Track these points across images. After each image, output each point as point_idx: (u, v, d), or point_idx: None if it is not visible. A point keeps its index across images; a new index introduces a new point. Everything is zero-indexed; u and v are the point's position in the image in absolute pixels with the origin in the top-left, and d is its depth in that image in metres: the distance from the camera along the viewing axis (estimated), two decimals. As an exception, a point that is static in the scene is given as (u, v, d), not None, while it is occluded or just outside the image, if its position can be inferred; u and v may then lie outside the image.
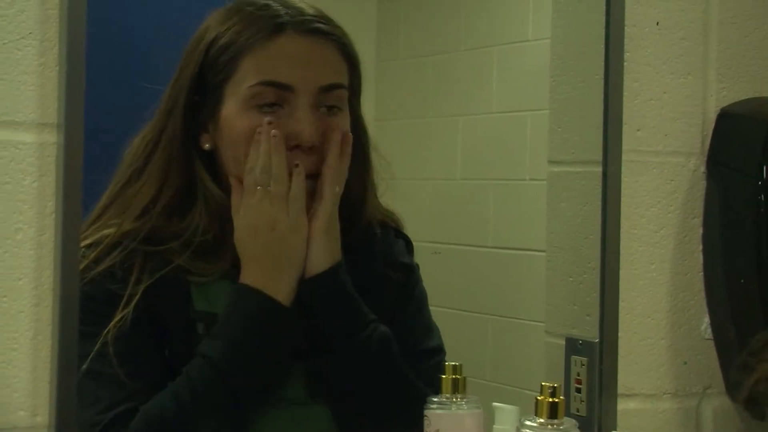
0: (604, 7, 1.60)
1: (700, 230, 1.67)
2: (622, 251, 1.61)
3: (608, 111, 1.61)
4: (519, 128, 2.73)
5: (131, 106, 1.55)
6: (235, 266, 1.48)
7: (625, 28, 1.62)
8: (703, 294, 1.68)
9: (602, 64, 1.61)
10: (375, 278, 1.56)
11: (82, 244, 1.44)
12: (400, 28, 3.18)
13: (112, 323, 1.43)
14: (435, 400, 1.38)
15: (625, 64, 1.62)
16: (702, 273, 1.67)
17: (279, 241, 1.45)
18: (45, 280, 1.28)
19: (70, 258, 1.29)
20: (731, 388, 1.66)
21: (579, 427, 1.35)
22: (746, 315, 1.63)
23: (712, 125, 1.68)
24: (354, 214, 1.55)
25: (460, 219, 2.94)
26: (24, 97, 1.28)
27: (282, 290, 1.45)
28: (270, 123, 1.46)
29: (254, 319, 1.45)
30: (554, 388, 1.31)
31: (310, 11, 1.51)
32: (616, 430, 1.59)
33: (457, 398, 1.38)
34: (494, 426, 1.44)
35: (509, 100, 2.81)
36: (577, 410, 1.59)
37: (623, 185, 1.62)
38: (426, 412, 1.38)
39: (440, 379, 1.39)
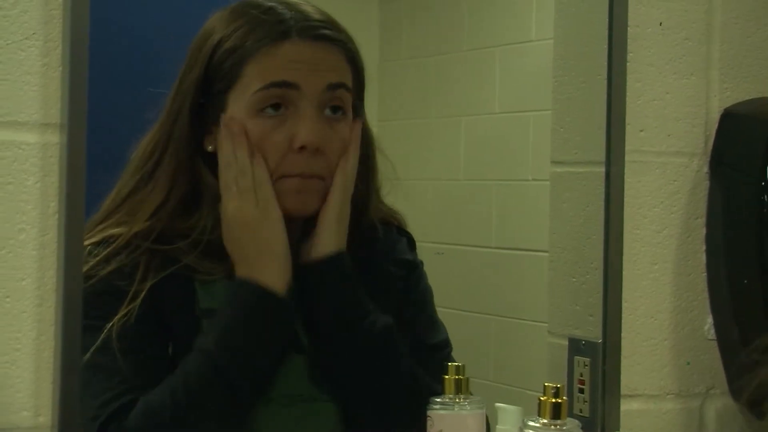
0: (606, 8, 1.60)
1: (703, 230, 1.67)
2: (625, 251, 1.61)
3: (611, 111, 1.61)
4: (522, 128, 2.73)
5: (134, 106, 1.55)
6: None
7: (628, 28, 1.61)
8: (706, 294, 1.67)
9: (605, 64, 1.61)
10: (379, 276, 1.56)
11: (89, 242, 1.45)
12: (403, 29, 3.18)
13: (117, 317, 1.43)
14: (438, 400, 1.38)
15: (627, 64, 1.61)
16: (705, 273, 1.67)
17: (253, 233, 1.46)
18: (48, 281, 1.28)
19: (73, 258, 1.29)
20: (734, 388, 1.66)
21: (582, 428, 1.35)
22: (749, 315, 1.63)
23: (715, 125, 1.68)
24: (358, 214, 1.55)
25: (463, 219, 2.94)
26: (27, 98, 1.28)
27: (273, 280, 1.45)
28: (232, 119, 1.47)
29: (247, 309, 1.45)
30: (557, 388, 1.31)
31: (316, 16, 1.51)
32: (619, 430, 1.59)
33: (459, 398, 1.38)
34: (497, 426, 1.44)
35: (512, 100, 2.81)
36: (580, 411, 1.59)
37: (626, 185, 1.62)
38: (429, 412, 1.38)
39: (443, 379, 1.39)
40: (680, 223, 1.66)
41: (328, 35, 1.50)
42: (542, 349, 1.72)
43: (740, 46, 1.69)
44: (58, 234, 1.29)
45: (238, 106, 1.48)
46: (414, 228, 1.67)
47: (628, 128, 1.62)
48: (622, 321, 1.61)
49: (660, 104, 1.65)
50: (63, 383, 1.28)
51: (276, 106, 1.47)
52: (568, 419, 1.32)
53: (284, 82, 1.47)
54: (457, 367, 1.39)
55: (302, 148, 1.47)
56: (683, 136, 1.67)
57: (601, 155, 1.61)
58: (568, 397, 1.37)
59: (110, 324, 1.43)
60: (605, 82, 1.61)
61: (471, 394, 1.38)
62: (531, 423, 1.31)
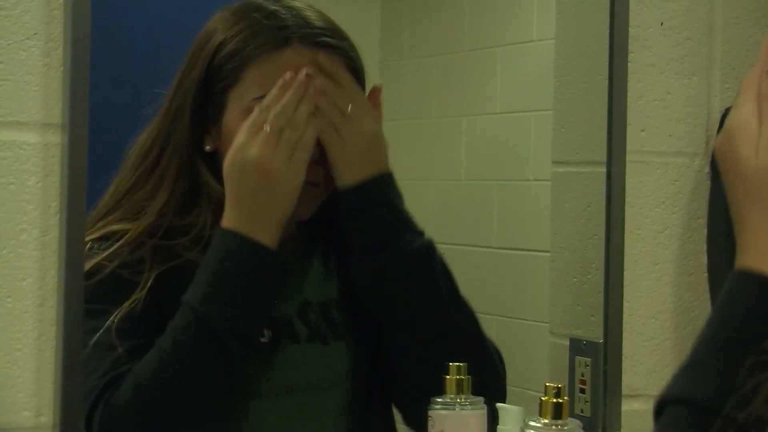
0: (608, 8, 1.60)
1: (705, 231, 1.67)
2: (627, 252, 1.61)
3: (612, 111, 1.61)
4: (523, 129, 2.72)
5: (135, 106, 1.55)
6: None
7: (630, 28, 1.61)
8: (707, 295, 1.67)
9: (606, 64, 1.61)
10: None
11: (89, 237, 1.45)
12: (404, 29, 3.18)
13: (125, 305, 1.43)
14: (439, 400, 1.38)
15: (629, 64, 1.61)
16: (706, 274, 1.67)
17: (272, 187, 1.43)
18: (49, 281, 1.29)
19: (74, 258, 1.29)
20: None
21: (583, 428, 1.35)
22: (751, 316, 1.63)
23: (717, 126, 1.68)
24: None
25: (464, 219, 2.94)
26: (28, 98, 1.28)
27: (267, 234, 1.43)
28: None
29: (241, 264, 1.43)
30: (558, 388, 1.31)
31: (318, 23, 1.50)
32: (620, 430, 1.59)
33: (461, 399, 1.38)
34: (498, 426, 1.44)
35: (513, 100, 2.81)
36: (582, 411, 1.59)
37: (627, 186, 1.62)
38: (430, 412, 1.38)
39: (444, 380, 1.39)
40: (681, 224, 1.66)
41: (329, 43, 1.50)
42: (543, 349, 1.72)
43: (742, 46, 1.69)
44: (59, 234, 1.29)
45: (238, 107, 1.48)
46: (415, 228, 1.66)
47: (629, 128, 1.62)
48: (624, 321, 1.61)
49: (661, 104, 1.65)
50: (64, 383, 1.28)
51: None
52: (570, 419, 1.32)
53: None
54: (459, 367, 1.39)
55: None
56: (684, 136, 1.67)
57: (603, 155, 1.61)
58: (569, 397, 1.37)
59: (117, 311, 1.42)
60: (606, 82, 1.61)
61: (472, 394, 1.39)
62: (532, 423, 1.31)
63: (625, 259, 1.61)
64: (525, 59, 2.76)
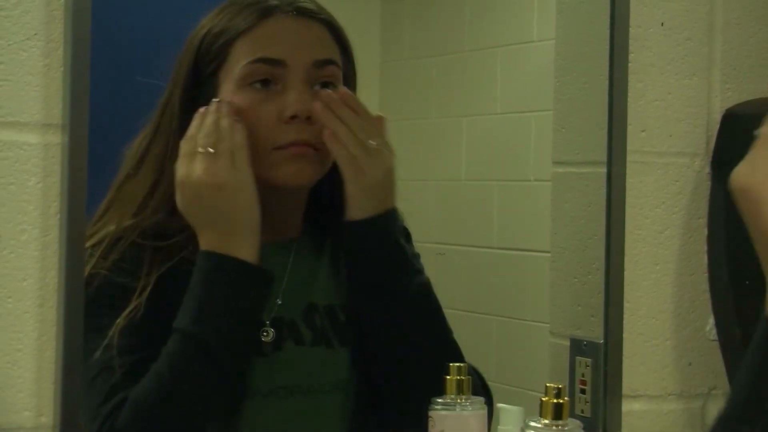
0: (608, 8, 1.60)
1: (705, 231, 1.67)
2: (627, 252, 1.61)
3: (612, 112, 1.61)
4: (523, 129, 2.72)
5: (136, 106, 1.55)
6: None
7: (630, 28, 1.61)
8: (708, 295, 1.67)
9: (607, 64, 1.61)
10: None
11: (88, 244, 1.45)
12: (405, 29, 3.18)
13: (124, 314, 1.43)
14: (439, 401, 1.38)
15: (629, 64, 1.61)
16: (707, 274, 1.67)
17: (228, 198, 1.43)
18: (50, 281, 1.28)
19: (74, 258, 1.29)
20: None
21: (583, 429, 1.35)
22: (751, 316, 1.63)
23: (717, 126, 1.67)
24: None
25: (464, 220, 2.94)
26: (29, 98, 1.28)
27: (246, 251, 1.43)
28: (219, 102, 1.46)
29: (224, 284, 1.43)
30: (559, 389, 1.31)
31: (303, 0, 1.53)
32: (620, 431, 1.59)
33: (461, 399, 1.38)
34: (499, 427, 1.44)
35: (513, 100, 2.81)
36: (582, 411, 1.59)
37: (628, 186, 1.62)
38: (430, 412, 1.38)
39: (445, 380, 1.39)
40: (682, 224, 1.66)
41: (311, 9, 1.52)
42: (544, 349, 1.72)
43: (742, 46, 1.69)
44: (59, 234, 1.29)
45: (229, 83, 1.49)
46: (415, 228, 1.66)
47: (629, 128, 1.62)
48: (624, 321, 1.61)
49: (662, 104, 1.65)
50: (65, 383, 1.28)
51: (265, 82, 1.49)
52: (570, 420, 1.32)
53: (270, 59, 1.49)
54: (459, 367, 1.39)
55: (293, 117, 1.48)
56: (685, 136, 1.66)
57: (603, 155, 1.61)
58: (569, 397, 1.37)
59: (117, 321, 1.42)
60: (607, 82, 1.61)
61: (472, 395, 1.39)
62: (532, 423, 1.31)
63: (626, 259, 1.61)
64: (525, 59, 2.76)
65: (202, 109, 1.47)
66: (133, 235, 1.47)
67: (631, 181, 1.62)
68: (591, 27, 1.64)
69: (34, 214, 1.28)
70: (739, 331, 1.63)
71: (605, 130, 1.61)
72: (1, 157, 1.27)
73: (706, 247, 1.67)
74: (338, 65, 1.53)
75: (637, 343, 1.63)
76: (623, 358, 1.60)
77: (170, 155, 1.49)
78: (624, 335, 1.61)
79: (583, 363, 1.61)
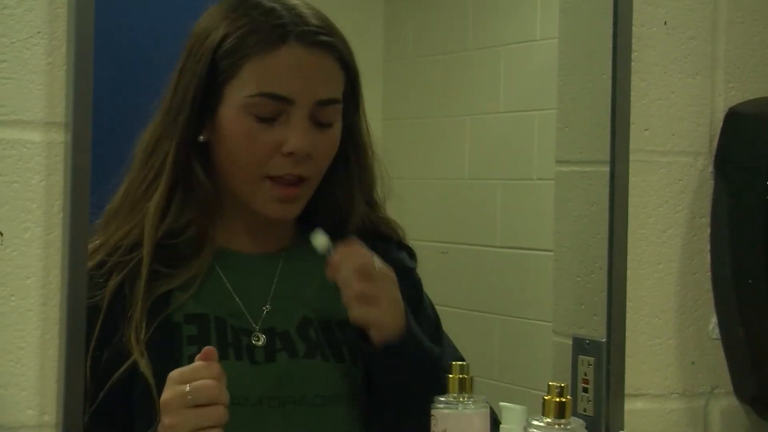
0: (611, 7, 1.60)
1: (708, 230, 1.67)
2: (630, 251, 1.61)
3: (616, 111, 1.61)
4: (526, 128, 2.72)
5: (139, 104, 1.56)
6: (218, 257, 1.52)
7: (633, 27, 1.61)
8: (710, 294, 1.67)
9: (610, 63, 1.61)
10: None
11: (90, 261, 1.44)
12: (408, 28, 3.18)
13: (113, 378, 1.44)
14: (442, 399, 1.38)
15: (632, 63, 1.61)
16: (710, 273, 1.67)
17: None
18: (53, 279, 1.29)
19: (77, 257, 1.29)
20: (739, 387, 1.66)
21: (586, 427, 1.35)
22: (754, 315, 1.63)
23: (720, 125, 1.67)
24: (354, 227, 1.56)
25: (468, 219, 2.94)
26: (32, 96, 1.28)
27: None
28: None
29: None
30: (561, 387, 1.31)
31: (314, 21, 1.52)
32: (623, 430, 1.59)
33: (464, 398, 1.38)
34: (501, 425, 1.44)
35: (517, 99, 2.81)
36: (585, 410, 1.59)
37: (631, 185, 1.62)
38: (433, 411, 1.38)
39: (447, 378, 1.39)
40: (685, 223, 1.66)
41: (325, 41, 1.52)
42: (547, 348, 1.72)
43: (745, 45, 1.69)
44: (62, 232, 1.29)
45: (233, 102, 1.50)
46: (418, 227, 1.67)
47: (632, 127, 1.62)
48: (627, 320, 1.61)
49: (665, 103, 1.65)
50: (67, 382, 1.28)
51: (268, 115, 1.49)
52: (572, 418, 1.32)
53: (278, 95, 1.49)
54: (461, 366, 1.39)
55: (291, 153, 1.49)
56: (688, 135, 1.66)
57: (606, 154, 1.61)
58: (572, 396, 1.37)
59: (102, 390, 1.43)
60: (610, 81, 1.61)
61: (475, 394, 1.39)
62: (535, 422, 1.31)
63: (629, 258, 1.61)
64: (528, 58, 2.76)
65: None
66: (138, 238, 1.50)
67: (634, 180, 1.62)
68: (594, 26, 1.64)
69: (38, 212, 1.28)
70: (742, 330, 1.63)
71: (608, 129, 1.61)
72: (4, 156, 1.27)
73: (709, 246, 1.67)
74: (340, 102, 1.53)
75: (639, 341, 1.63)
76: (626, 356, 1.60)
77: (179, 155, 1.51)
78: (627, 334, 1.61)
79: (586, 362, 1.61)
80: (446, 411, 1.38)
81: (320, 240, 1.49)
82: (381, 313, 1.48)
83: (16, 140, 1.28)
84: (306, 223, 1.56)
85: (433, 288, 1.66)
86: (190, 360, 1.42)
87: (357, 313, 1.47)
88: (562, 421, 1.30)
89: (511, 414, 1.44)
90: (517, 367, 2.63)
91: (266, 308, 1.52)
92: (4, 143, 1.27)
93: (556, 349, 1.67)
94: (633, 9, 1.61)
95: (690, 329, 1.67)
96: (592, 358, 1.60)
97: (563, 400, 1.31)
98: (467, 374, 1.38)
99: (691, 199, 1.66)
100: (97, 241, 1.50)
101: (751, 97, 1.69)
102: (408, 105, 3.12)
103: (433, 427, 1.38)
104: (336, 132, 1.54)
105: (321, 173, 1.53)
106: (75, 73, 1.28)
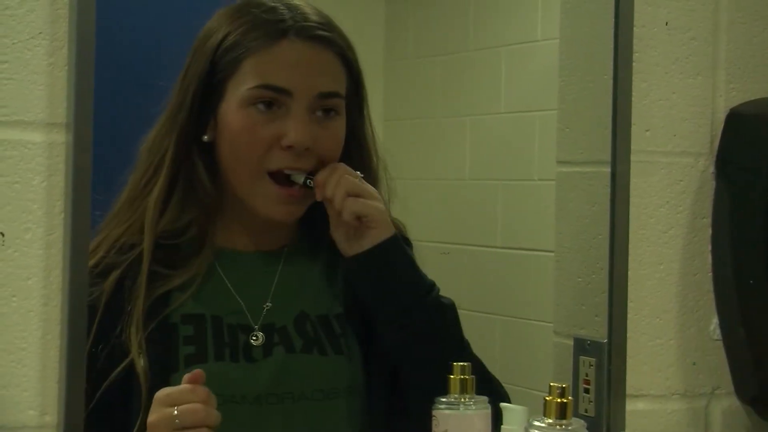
0: (612, 8, 1.60)
1: (709, 230, 1.67)
2: (631, 251, 1.61)
3: (617, 111, 1.61)
4: (527, 128, 2.72)
5: (140, 105, 1.56)
6: (218, 257, 1.52)
7: (634, 28, 1.61)
8: (712, 294, 1.67)
9: (611, 64, 1.61)
10: None
11: (91, 261, 1.45)
12: (409, 28, 3.18)
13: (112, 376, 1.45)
14: (443, 400, 1.38)
15: (633, 64, 1.61)
16: (711, 273, 1.67)
17: None
18: (54, 280, 1.29)
19: (78, 257, 1.29)
20: (740, 387, 1.66)
21: (587, 428, 1.35)
22: (755, 315, 1.63)
23: (721, 125, 1.67)
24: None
25: (469, 219, 2.94)
26: (33, 97, 1.28)
27: None
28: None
29: None
30: (563, 388, 1.31)
31: (315, 18, 1.53)
32: (624, 430, 1.59)
33: (465, 398, 1.38)
34: (503, 426, 1.44)
35: (518, 100, 2.81)
36: (586, 411, 1.59)
37: (632, 185, 1.62)
38: (434, 412, 1.38)
39: (448, 379, 1.39)
40: (686, 223, 1.66)
41: (325, 36, 1.52)
42: (548, 348, 1.72)
43: (746, 45, 1.69)
44: (63, 233, 1.29)
45: (234, 97, 1.51)
46: (419, 228, 1.67)
47: (633, 128, 1.62)
48: (628, 321, 1.61)
49: (666, 104, 1.65)
50: (69, 382, 1.28)
51: (268, 104, 1.50)
52: (574, 419, 1.32)
53: (277, 87, 1.49)
54: (462, 366, 1.39)
55: (290, 147, 1.49)
56: (689, 135, 1.66)
57: (607, 155, 1.61)
58: (573, 397, 1.37)
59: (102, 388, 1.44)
60: (611, 82, 1.61)
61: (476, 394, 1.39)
62: (536, 423, 1.31)
63: (630, 258, 1.61)
64: (529, 59, 2.76)
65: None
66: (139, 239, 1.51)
67: (635, 181, 1.62)
68: (595, 26, 1.64)
69: (39, 212, 1.28)
70: (743, 331, 1.63)
71: (609, 130, 1.61)
72: (5, 156, 1.27)
73: (710, 247, 1.67)
74: (342, 96, 1.54)
75: (641, 342, 1.63)
76: (627, 357, 1.60)
77: (181, 153, 1.52)
78: (628, 335, 1.61)
79: (587, 362, 1.61)
80: (447, 412, 1.38)
81: None
82: (374, 206, 1.50)
83: (17, 141, 1.28)
84: (307, 221, 1.56)
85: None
86: (186, 360, 1.43)
87: (351, 206, 1.49)
88: (564, 421, 1.30)
89: (513, 415, 1.43)
90: (518, 367, 2.63)
91: (267, 306, 1.53)
92: (5, 144, 1.27)
93: (557, 349, 1.67)
94: (634, 9, 1.61)
95: (691, 330, 1.67)
96: (593, 359, 1.60)
97: (564, 400, 1.31)
98: (468, 375, 1.38)
99: (692, 199, 1.66)
100: (98, 239, 1.51)
101: (753, 98, 1.69)
102: (409, 105, 3.12)
103: (434, 428, 1.38)
104: (339, 128, 1.53)
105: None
106: (76, 73, 1.28)
